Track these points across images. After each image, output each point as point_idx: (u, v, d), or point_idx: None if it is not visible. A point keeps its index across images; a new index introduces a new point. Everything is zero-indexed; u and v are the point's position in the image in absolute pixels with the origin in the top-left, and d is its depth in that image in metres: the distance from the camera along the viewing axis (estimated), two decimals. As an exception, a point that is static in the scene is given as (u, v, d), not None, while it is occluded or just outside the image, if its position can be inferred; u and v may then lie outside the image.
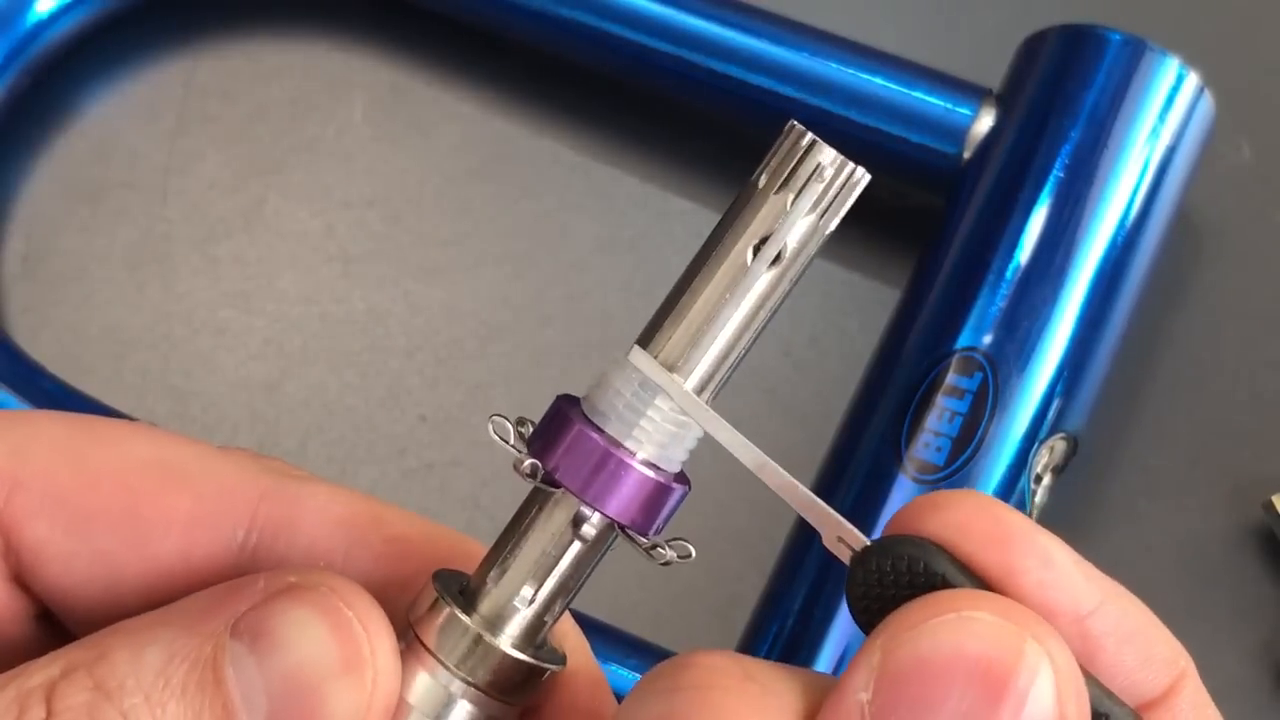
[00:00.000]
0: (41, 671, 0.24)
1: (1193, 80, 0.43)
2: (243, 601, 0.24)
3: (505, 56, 0.50)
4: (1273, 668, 0.43)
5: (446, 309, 0.47)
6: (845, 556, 0.24)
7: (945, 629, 0.21)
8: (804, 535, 0.41)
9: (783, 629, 0.39)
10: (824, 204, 0.24)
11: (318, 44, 0.51)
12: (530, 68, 0.50)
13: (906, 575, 0.23)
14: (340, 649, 0.24)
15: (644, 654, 0.40)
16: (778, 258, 0.24)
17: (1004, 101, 0.44)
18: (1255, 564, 0.44)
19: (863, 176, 0.24)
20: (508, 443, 0.25)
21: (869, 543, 0.23)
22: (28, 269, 0.47)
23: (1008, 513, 0.23)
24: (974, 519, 0.23)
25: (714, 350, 0.24)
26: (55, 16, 0.47)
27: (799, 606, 0.39)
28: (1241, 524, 0.44)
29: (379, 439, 0.46)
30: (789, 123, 0.24)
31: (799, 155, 0.24)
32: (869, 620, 0.23)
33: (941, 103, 0.45)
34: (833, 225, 0.24)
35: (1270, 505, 0.43)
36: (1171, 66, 0.43)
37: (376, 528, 0.28)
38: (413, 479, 0.45)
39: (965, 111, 0.45)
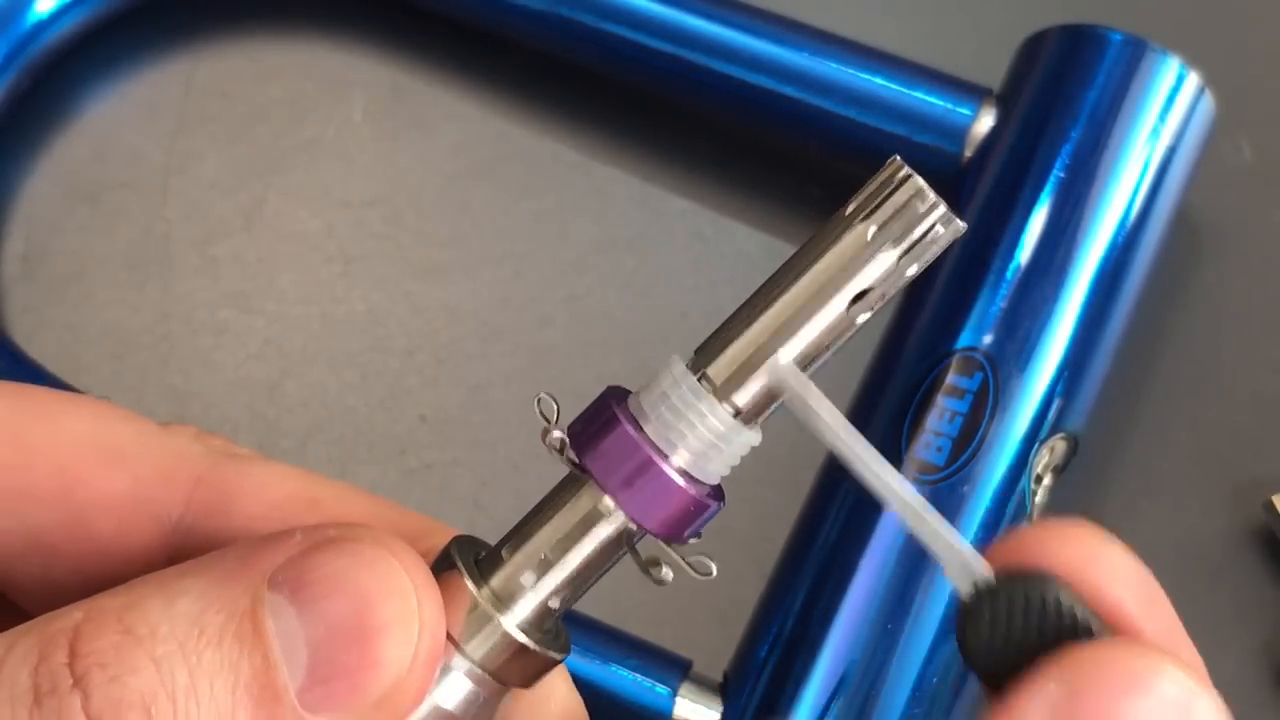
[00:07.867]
0: (65, 617, 0.23)
1: (1193, 80, 0.43)
2: (279, 554, 0.24)
3: (505, 56, 0.50)
4: (1273, 668, 0.43)
5: (446, 309, 0.47)
6: (966, 586, 0.23)
7: (1139, 682, 0.21)
8: (804, 537, 0.41)
9: (782, 630, 0.39)
10: (924, 257, 0.23)
11: (318, 44, 0.51)
12: (530, 68, 0.50)
13: (1051, 615, 0.22)
14: (386, 600, 0.23)
15: (644, 654, 0.40)
16: (867, 307, 0.23)
17: (1004, 101, 0.44)
18: (1255, 564, 0.44)
19: (959, 226, 0.23)
20: (551, 423, 0.25)
21: (993, 579, 0.22)
22: (28, 269, 0.47)
23: (1124, 551, 0.23)
24: (1098, 555, 0.22)
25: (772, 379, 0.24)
26: (55, 16, 0.47)
27: (799, 608, 0.39)
28: (1241, 524, 0.44)
29: (379, 439, 0.46)
30: (893, 159, 0.23)
31: (914, 210, 0.23)
32: (992, 656, 0.22)
33: (942, 103, 0.45)
34: (918, 272, 0.23)
35: (1270, 505, 0.43)
36: (1172, 66, 0.43)
37: (312, 510, 0.28)
38: (413, 479, 0.45)
39: (965, 111, 0.44)
